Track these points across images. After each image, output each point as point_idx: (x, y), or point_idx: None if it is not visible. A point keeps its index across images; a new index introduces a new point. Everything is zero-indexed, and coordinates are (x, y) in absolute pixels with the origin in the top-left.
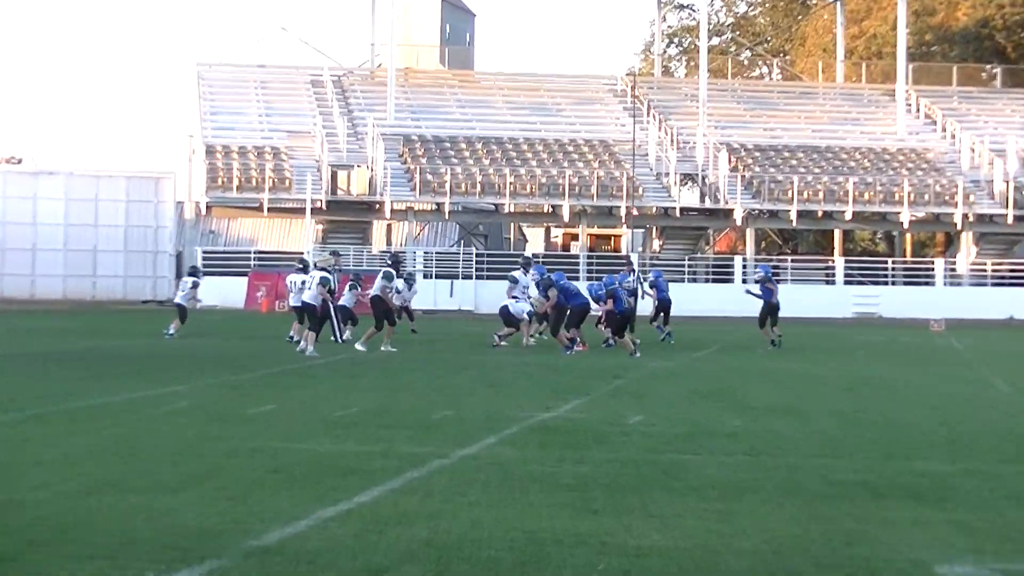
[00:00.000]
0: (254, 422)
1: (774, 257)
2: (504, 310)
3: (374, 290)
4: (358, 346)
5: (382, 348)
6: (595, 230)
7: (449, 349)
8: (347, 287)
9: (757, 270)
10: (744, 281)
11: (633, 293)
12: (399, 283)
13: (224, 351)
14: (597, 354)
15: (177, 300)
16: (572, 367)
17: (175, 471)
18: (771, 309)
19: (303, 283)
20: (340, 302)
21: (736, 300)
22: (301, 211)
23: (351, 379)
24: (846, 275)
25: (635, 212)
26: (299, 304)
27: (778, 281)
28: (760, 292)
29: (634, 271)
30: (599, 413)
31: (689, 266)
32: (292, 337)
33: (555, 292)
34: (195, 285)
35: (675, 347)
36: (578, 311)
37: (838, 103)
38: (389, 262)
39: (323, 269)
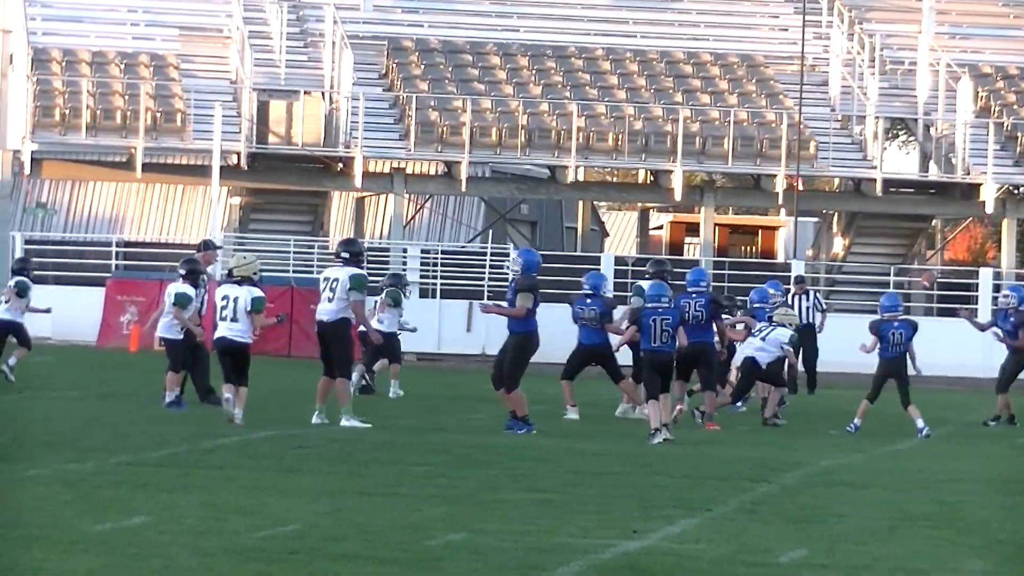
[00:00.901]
0: (104, 546)
1: None
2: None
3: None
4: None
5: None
6: (730, 217)
7: (459, 424)
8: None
9: (1008, 295)
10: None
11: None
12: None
13: (62, 419)
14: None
15: (1, 316)
16: (676, 459)
17: None
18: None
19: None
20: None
21: (984, 345)
22: (204, 172)
23: (289, 473)
24: None
25: (801, 186)
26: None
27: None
28: (1007, 330)
29: (807, 292)
30: (726, 543)
31: (898, 284)
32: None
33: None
34: (22, 292)
35: (860, 431)
36: (697, 354)
37: None
38: (390, 284)
39: (240, 281)
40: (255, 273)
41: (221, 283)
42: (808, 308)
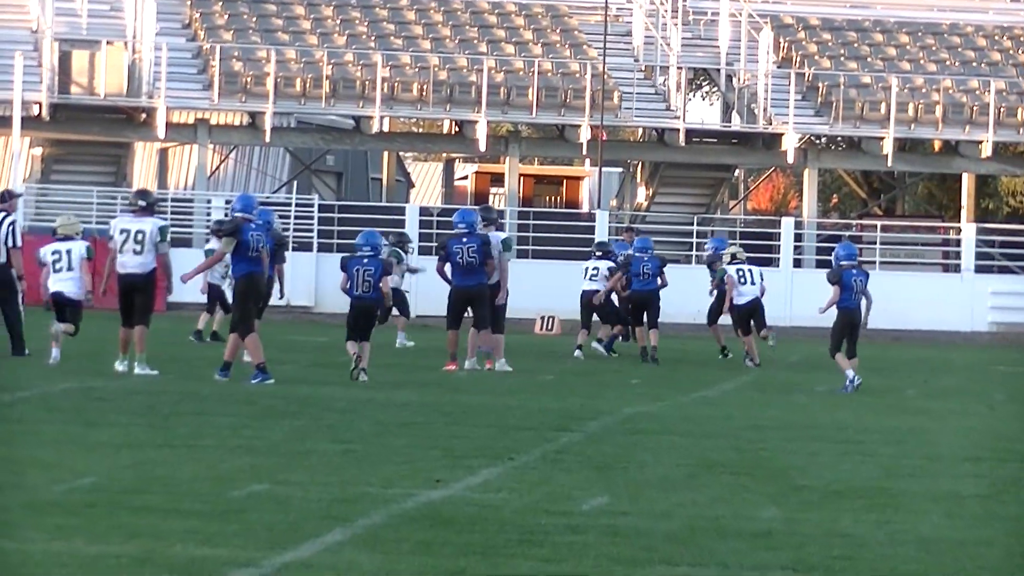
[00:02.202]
0: None
1: (852, 220)
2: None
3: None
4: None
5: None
6: (535, 168)
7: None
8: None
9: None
10: (798, 264)
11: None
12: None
13: None
14: (547, 382)
15: None
16: (482, 410)
17: None
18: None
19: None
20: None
21: (779, 295)
22: (5, 122)
23: (90, 426)
24: (980, 257)
25: (605, 136)
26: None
27: (862, 264)
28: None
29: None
30: (529, 492)
31: (701, 234)
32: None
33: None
34: None
35: (663, 374)
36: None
37: None
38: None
39: (64, 238)
40: (77, 233)
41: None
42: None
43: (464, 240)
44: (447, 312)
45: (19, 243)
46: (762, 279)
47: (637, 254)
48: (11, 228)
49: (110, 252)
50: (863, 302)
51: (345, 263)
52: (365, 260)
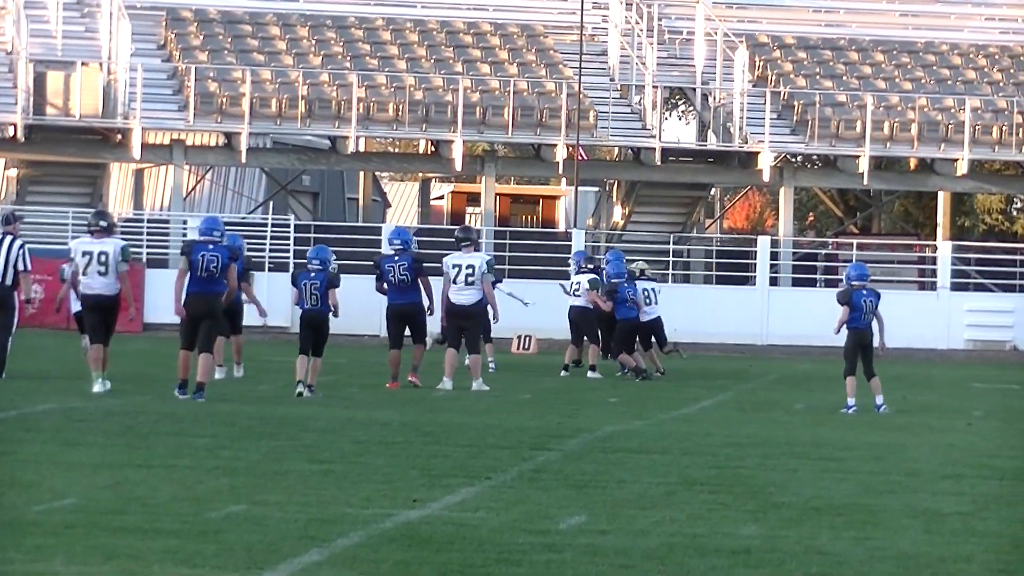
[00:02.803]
0: None
1: (828, 239)
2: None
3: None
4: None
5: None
6: (511, 187)
7: (244, 395)
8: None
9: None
10: (775, 282)
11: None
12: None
13: None
14: (528, 403)
15: None
16: (460, 429)
17: None
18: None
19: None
20: None
21: (755, 314)
22: None
23: (68, 446)
24: (956, 275)
25: (583, 155)
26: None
27: (834, 282)
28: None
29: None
30: (506, 511)
31: (677, 252)
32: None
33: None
34: None
35: (642, 392)
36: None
37: None
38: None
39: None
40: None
41: None
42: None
43: (396, 259)
44: (387, 331)
45: (29, 266)
46: (657, 296)
47: (616, 280)
48: (21, 251)
49: (72, 274)
50: (875, 323)
51: (294, 277)
52: (312, 274)
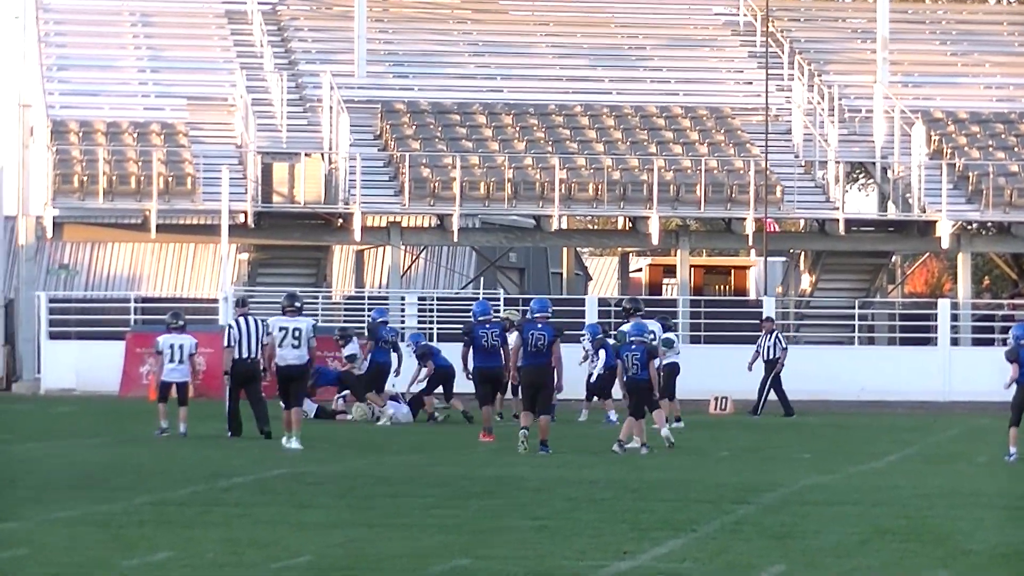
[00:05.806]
0: None
1: (1004, 300)
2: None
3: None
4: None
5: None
6: (704, 259)
7: (459, 459)
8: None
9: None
10: (955, 342)
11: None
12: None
13: (88, 464)
14: (694, 464)
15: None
16: (664, 485)
17: None
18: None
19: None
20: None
21: (937, 372)
22: (214, 230)
23: (300, 508)
24: None
25: (774, 227)
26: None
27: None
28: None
29: (773, 331)
30: (710, 561)
31: (862, 316)
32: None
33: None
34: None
35: (832, 447)
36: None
37: None
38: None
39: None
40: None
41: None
42: (771, 346)
43: (488, 326)
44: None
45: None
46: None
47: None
48: (263, 326)
49: (269, 347)
50: None
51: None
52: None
